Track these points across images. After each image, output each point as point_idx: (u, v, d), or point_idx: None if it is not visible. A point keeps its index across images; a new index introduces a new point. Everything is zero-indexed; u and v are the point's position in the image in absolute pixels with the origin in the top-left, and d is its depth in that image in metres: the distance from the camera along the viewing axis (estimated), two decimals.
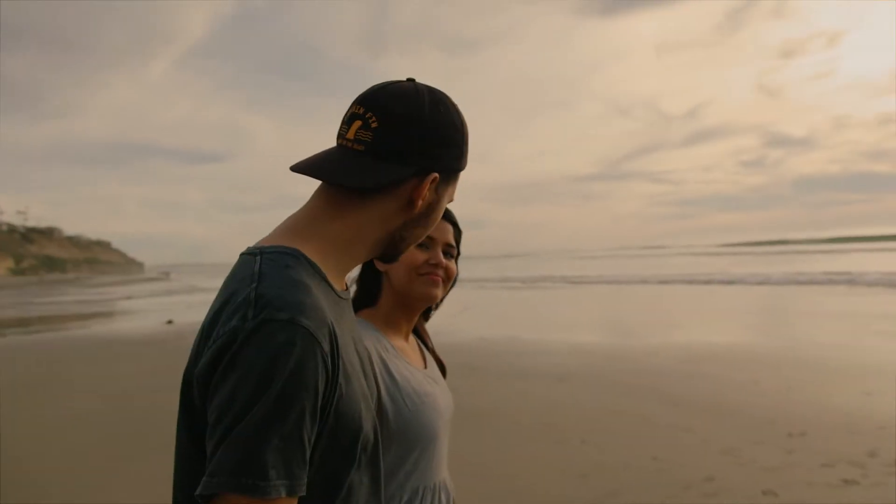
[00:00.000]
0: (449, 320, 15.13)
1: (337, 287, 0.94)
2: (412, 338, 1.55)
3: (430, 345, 1.59)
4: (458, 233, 1.50)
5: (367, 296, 1.48)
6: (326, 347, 0.80)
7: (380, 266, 1.43)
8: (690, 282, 27.91)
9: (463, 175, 1.02)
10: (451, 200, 1.04)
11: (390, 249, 1.00)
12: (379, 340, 1.38)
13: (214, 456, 0.75)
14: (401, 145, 0.93)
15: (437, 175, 0.95)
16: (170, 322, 16.17)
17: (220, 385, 0.78)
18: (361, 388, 0.90)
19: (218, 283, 0.99)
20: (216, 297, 0.86)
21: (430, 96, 0.96)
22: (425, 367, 1.49)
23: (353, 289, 1.49)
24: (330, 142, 1.00)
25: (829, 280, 25.35)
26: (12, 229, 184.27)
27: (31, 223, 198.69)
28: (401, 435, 1.30)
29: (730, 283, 26.28)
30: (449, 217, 1.48)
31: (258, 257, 0.87)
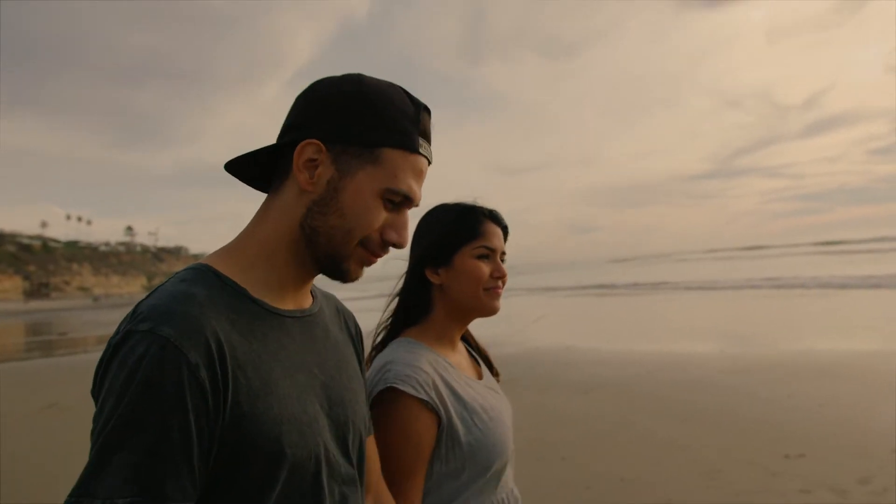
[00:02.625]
0: (519, 329, 15.11)
1: (270, 301, 0.88)
2: (461, 346, 1.46)
3: (477, 345, 1.51)
4: (506, 235, 1.41)
5: (414, 312, 1.37)
6: (196, 359, 0.74)
7: (433, 278, 1.35)
8: (789, 286, 26.04)
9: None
10: (385, 188, 0.88)
11: (317, 253, 0.89)
12: (437, 361, 1.30)
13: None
14: (285, 123, 0.91)
15: (316, 142, 0.86)
16: None
17: (94, 398, 0.77)
18: (291, 411, 0.82)
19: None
20: None
21: (329, 77, 0.92)
22: (481, 377, 1.41)
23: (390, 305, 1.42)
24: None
25: None
26: (145, 249, 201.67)
27: (161, 243, 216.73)
28: (473, 456, 1.24)
29: (820, 286, 24.25)
30: (499, 221, 1.40)
31: (175, 274, 0.85)
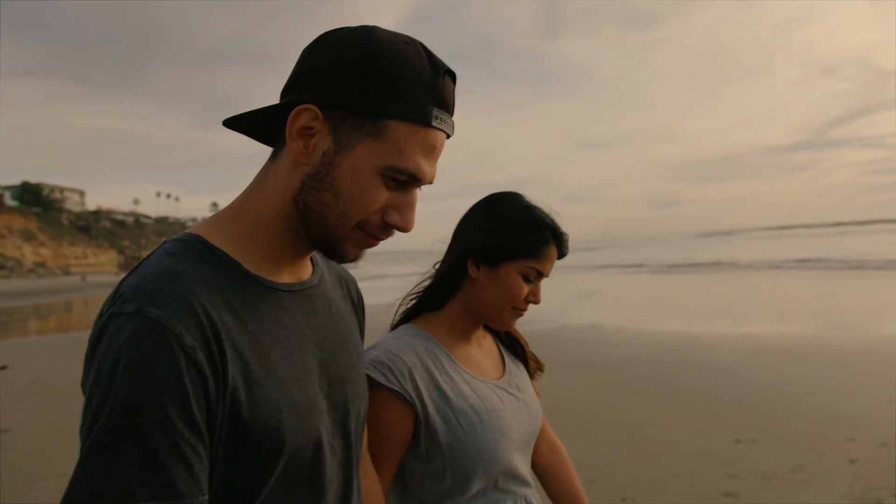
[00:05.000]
0: (562, 307, 15.04)
1: (266, 275, 0.80)
2: (489, 340, 1.38)
3: (511, 338, 1.42)
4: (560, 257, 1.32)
5: (437, 297, 1.30)
6: (191, 340, 0.67)
7: (472, 272, 1.26)
8: (856, 266, 24.56)
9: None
10: (387, 165, 0.77)
11: (311, 231, 0.80)
12: (432, 352, 1.23)
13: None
14: (288, 79, 0.80)
15: (312, 108, 0.75)
16: None
17: (83, 390, 0.69)
18: (290, 396, 0.77)
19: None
20: None
21: (339, 28, 0.80)
22: (502, 376, 1.33)
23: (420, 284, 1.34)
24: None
25: None
26: None
27: None
28: (455, 459, 1.17)
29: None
30: (562, 247, 1.29)
31: (162, 245, 0.78)
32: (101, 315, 0.70)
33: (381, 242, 0.84)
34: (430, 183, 0.82)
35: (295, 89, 0.78)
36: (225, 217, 0.82)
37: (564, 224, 1.29)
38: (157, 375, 0.65)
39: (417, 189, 0.82)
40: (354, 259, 0.83)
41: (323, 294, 0.90)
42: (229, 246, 0.79)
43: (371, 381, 1.12)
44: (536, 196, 1.32)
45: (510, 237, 1.25)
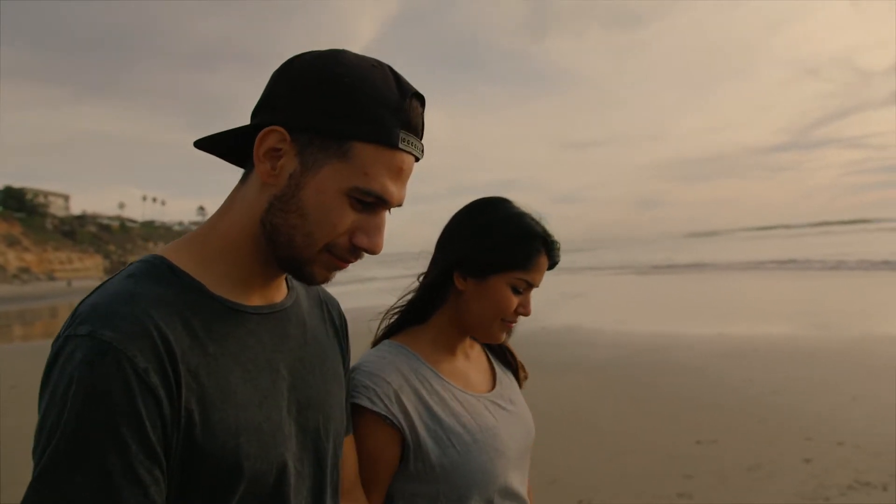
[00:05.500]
0: (545, 308, 15.15)
1: (232, 297, 0.80)
2: (477, 350, 1.35)
3: (502, 347, 1.38)
4: (551, 268, 1.27)
5: (421, 310, 1.26)
6: (144, 363, 0.68)
7: (459, 283, 1.21)
8: (834, 267, 24.86)
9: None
10: (353, 186, 0.77)
11: (278, 253, 0.80)
12: (419, 371, 1.19)
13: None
14: (258, 100, 0.81)
15: (280, 130, 0.76)
16: None
17: (39, 411, 0.69)
18: (250, 420, 0.76)
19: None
20: None
21: (307, 52, 0.82)
22: (493, 388, 1.29)
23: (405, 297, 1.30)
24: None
25: None
26: None
27: None
28: (448, 481, 1.14)
29: (869, 268, 23.06)
30: (553, 257, 1.24)
31: (126, 267, 0.79)
32: (58, 337, 0.70)
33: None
34: (399, 205, 0.83)
35: (264, 111, 0.79)
36: (193, 239, 0.83)
37: (554, 230, 1.24)
38: (110, 398, 0.65)
39: (386, 211, 0.82)
40: (323, 281, 0.83)
41: (296, 317, 0.89)
42: (195, 268, 0.79)
43: (356, 407, 1.11)
44: (525, 198, 1.27)
45: (498, 248, 1.20)
